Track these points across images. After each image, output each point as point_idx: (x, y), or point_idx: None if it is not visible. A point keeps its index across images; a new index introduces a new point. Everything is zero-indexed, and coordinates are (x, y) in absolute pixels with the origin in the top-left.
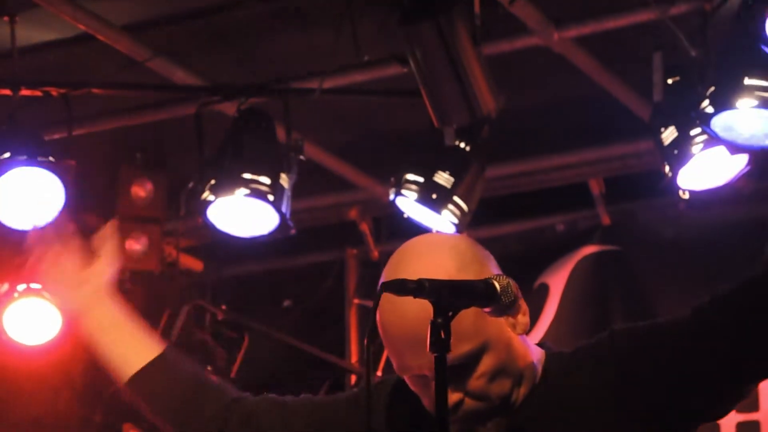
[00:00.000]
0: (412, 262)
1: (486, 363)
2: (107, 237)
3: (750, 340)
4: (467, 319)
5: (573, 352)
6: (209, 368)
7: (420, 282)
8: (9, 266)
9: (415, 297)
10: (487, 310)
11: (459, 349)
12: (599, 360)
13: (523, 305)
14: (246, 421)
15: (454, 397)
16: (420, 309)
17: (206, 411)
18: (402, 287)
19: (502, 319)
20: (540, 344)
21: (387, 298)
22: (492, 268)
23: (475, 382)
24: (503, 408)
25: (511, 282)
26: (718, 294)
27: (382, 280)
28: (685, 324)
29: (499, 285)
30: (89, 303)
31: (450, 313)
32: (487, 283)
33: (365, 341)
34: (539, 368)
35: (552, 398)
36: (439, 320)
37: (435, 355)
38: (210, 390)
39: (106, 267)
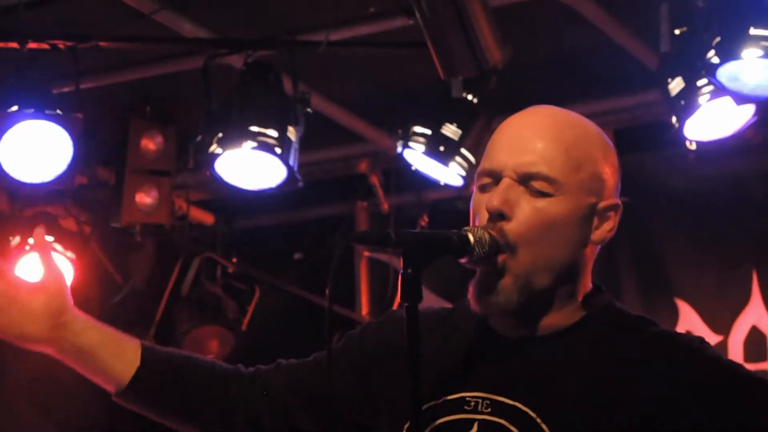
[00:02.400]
0: (534, 134)
1: (550, 205)
2: (41, 248)
3: None
4: (578, 157)
5: (644, 324)
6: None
7: (386, 234)
8: (19, 219)
9: (381, 248)
10: (463, 261)
11: (549, 165)
12: (674, 368)
13: (613, 223)
14: (269, 399)
15: (501, 204)
16: (549, 124)
17: (227, 400)
18: (367, 238)
19: (591, 211)
20: (596, 284)
21: (539, 106)
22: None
23: (526, 209)
24: (530, 298)
25: (487, 233)
26: None
27: (500, 157)
28: None
29: (474, 236)
30: (56, 333)
31: (420, 265)
32: (460, 235)
33: (327, 291)
34: (584, 302)
35: (585, 351)
36: (409, 271)
37: (406, 305)
38: (219, 379)
39: (56, 283)
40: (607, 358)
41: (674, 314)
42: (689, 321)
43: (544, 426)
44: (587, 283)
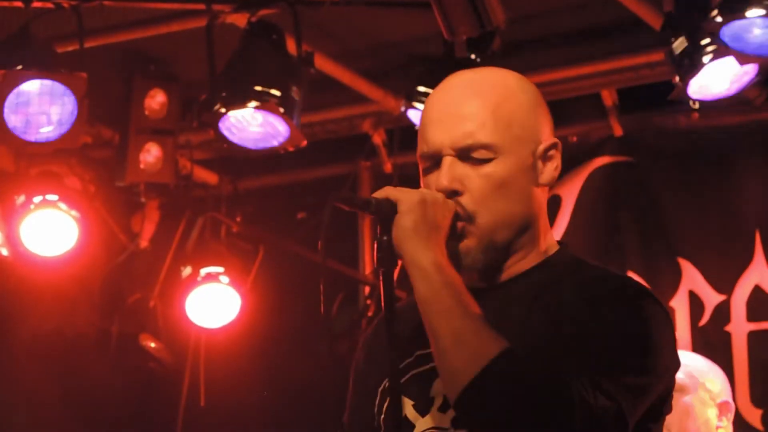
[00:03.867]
0: (479, 93)
1: (495, 167)
2: None
3: None
4: (507, 114)
5: (596, 268)
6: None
7: (368, 200)
8: (24, 178)
9: (361, 212)
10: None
11: (482, 131)
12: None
13: (557, 161)
14: None
15: (450, 183)
16: (470, 91)
17: None
18: (350, 201)
19: (532, 158)
20: (560, 242)
21: (455, 74)
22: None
23: (476, 180)
24: (495, 254)
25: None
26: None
27: (432, 114)
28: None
29: None
30: None
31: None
32: None
33: (318, 245)
34: (546, 250)
35: (532, 293)
36: (385, 238)
37: (381, 270)
38: None
39: None
40: (549, 299)
41: (677, 274)
42: (692, 280)
43: None
44: (546, 226)
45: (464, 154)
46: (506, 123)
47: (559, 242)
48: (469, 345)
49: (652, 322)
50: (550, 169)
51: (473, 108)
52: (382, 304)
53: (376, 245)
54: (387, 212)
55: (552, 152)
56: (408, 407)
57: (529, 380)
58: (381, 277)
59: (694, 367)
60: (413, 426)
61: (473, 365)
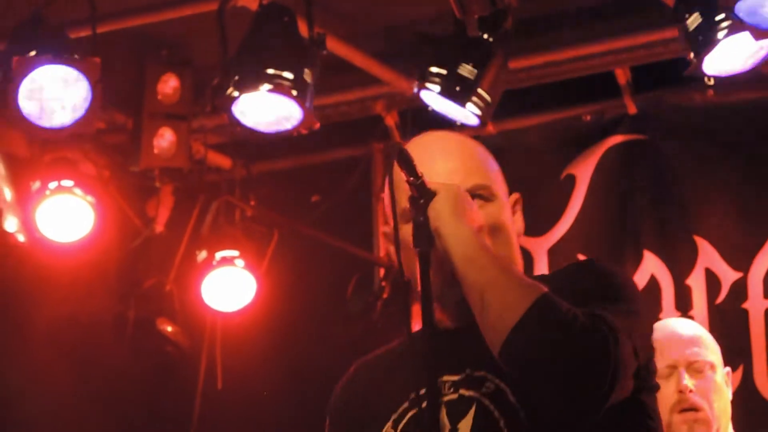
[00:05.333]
0: (458, 153)
1: (495, 209)
2: None
3: None
4: (492, 168)
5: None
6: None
7: (422, 183)
8: (39, 164)
9: (407, 177)
10: None
11: (476, 176)
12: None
13: (522, 214)
14: None
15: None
16: (453, 144)
17: None
18: (408, 162)
19: (511, 207)
20: None
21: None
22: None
23: (488, 218)
24: None
25: None
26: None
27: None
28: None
29: None
30: None
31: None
32: None
33: (386, 188)
34: None
35: None
36: (421, 218)
37: (418, 249)
38: None
39: None
40: None
41: (693, 252)
42: (709, 258)
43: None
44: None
45: (472, 193)
46: (492, 172)
47: None
48: (514, 288)
49: (621, 278)
50: (519, 220)
51: (464, 156)
52: (419, 284)
53: (412, 225)
54: (426, 193)
55: (517, 206)
56: None
57: (570, 313)
58: (419, 258)
59: (704, 334)
60: None
61: (523, 303)
